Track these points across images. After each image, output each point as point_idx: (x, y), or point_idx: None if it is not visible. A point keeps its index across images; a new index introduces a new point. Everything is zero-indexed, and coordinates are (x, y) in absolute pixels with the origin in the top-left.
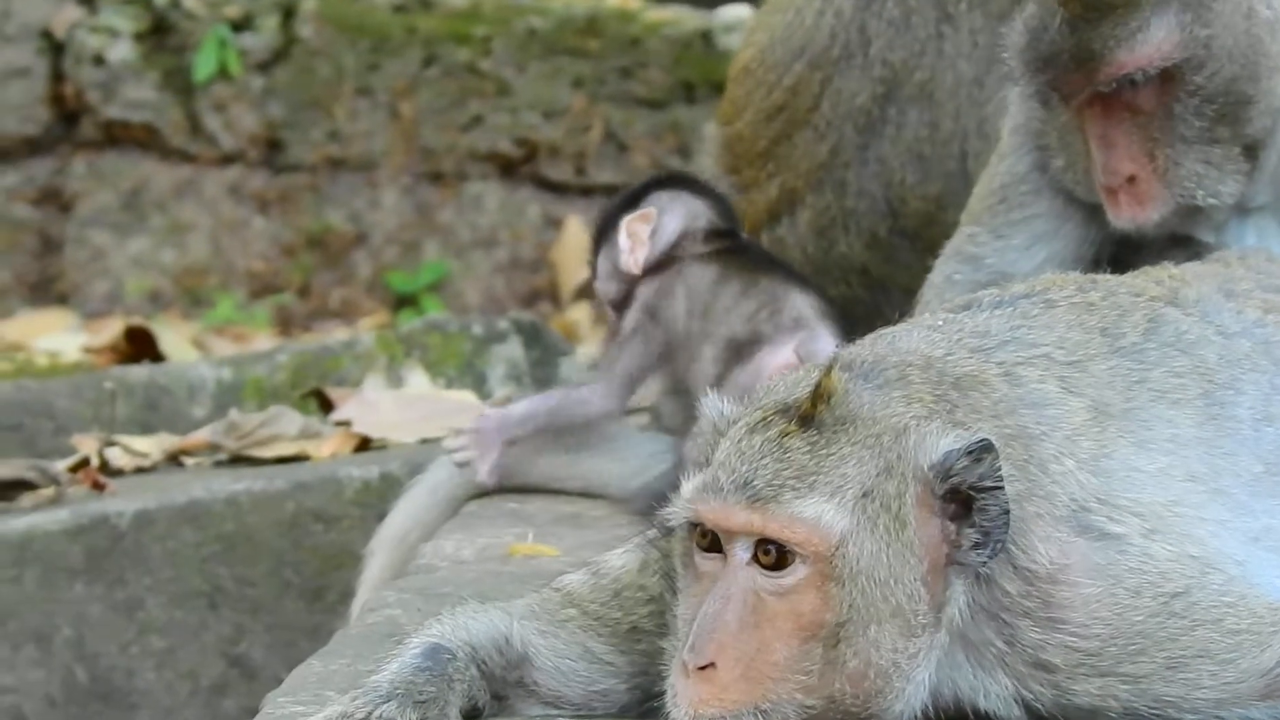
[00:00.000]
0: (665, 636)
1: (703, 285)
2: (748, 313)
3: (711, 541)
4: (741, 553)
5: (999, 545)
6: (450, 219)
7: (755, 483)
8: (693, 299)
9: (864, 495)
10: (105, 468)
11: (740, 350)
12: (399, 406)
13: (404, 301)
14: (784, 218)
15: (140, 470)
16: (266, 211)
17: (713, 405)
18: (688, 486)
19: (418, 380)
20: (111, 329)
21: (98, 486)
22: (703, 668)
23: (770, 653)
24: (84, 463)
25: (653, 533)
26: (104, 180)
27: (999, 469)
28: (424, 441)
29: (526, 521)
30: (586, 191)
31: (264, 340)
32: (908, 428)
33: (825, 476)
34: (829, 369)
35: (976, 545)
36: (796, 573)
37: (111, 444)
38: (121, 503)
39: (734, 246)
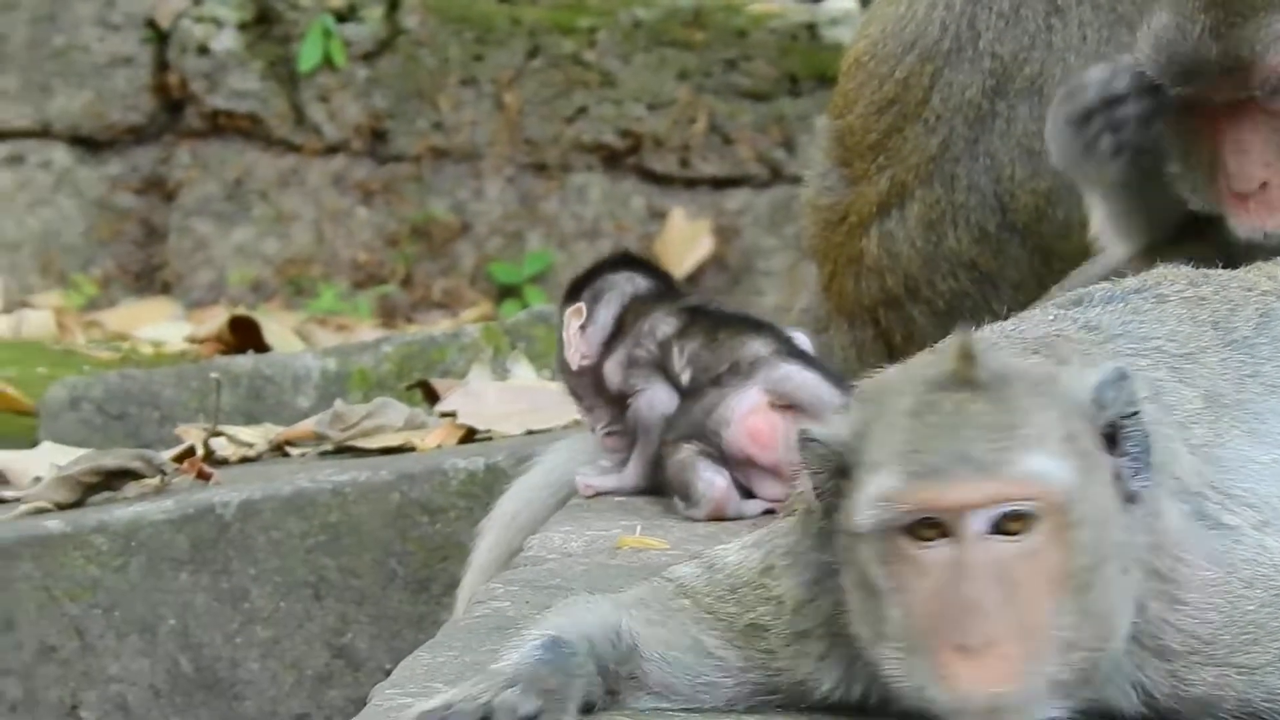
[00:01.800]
0: (792, 638)
1: (660, 335)
2: (707, 363)
3: (928, 529)
4: (978, 526)
5: (1149, 467)
6: (554, 210)
7: (973, 453)
8: (655, 345)
9: (1065, 439)
10: (210, 458)
11: (702, 399)
12: (504, 398)
13: (507, 292)
14: (893, 211)
15: (245, 460)
16: (370, 202)
17: (824, 429)
18: (876, 488)
19: (523, 372)
20: (215, 319)
21: (203, 476)
22: (976, 648)
23: (1033, 615)
24: (189, 452)
25: (794, 540)
26: (208, 170)
27: (1135, 393)
28: (529, 433)
29: (634, 514)
30: (691, 184)
31: (367, 331)
32: (1056, 373)
33: (1027, 430)
34: (959, 336)
35: (1135, 473)
36: (1037, 529)
37: (217, 434)
38: (226, 493)
39: (687, 304)
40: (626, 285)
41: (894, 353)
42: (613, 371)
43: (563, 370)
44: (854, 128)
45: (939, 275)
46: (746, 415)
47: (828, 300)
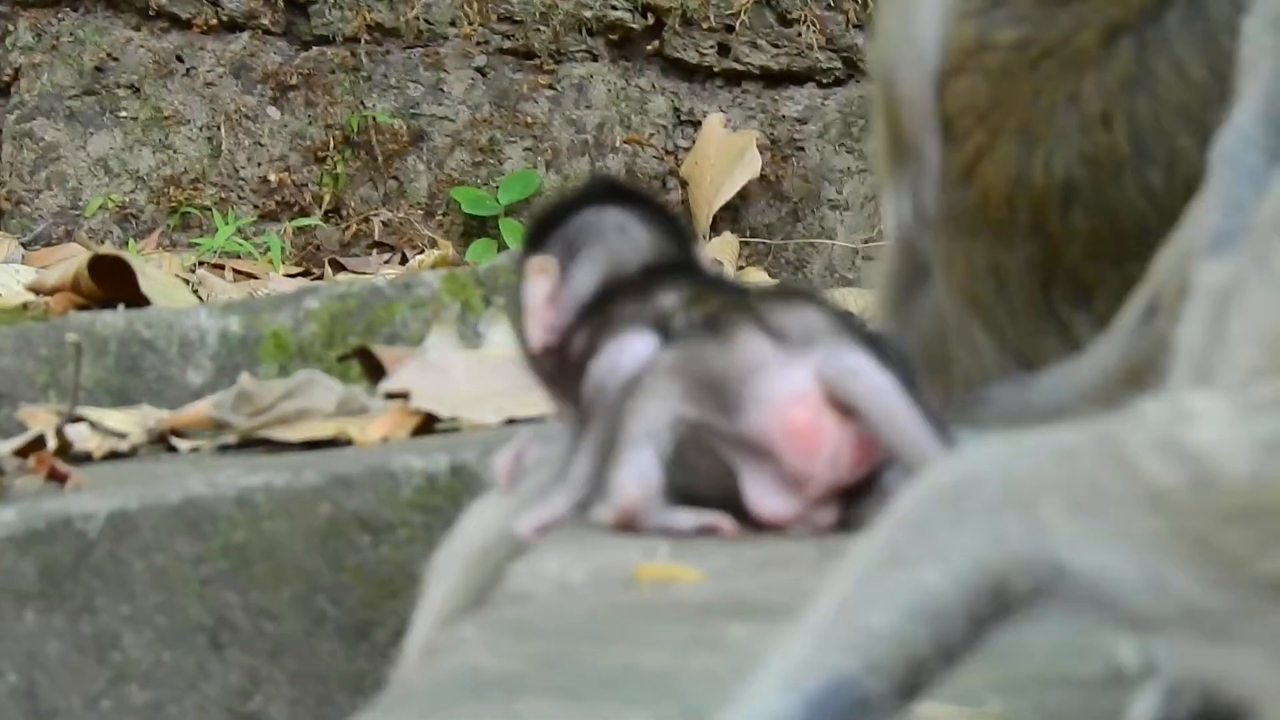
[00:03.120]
0: None
1: (660, 308)
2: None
3: None
4: None
5: None
6: (542, 114)
7: None
8: (660, 321)
9: None
10: (66, 452)
11: (719, 343)
12: (474, 374)
13: (476, 228)
14: (1177, 4)
15: (115, 456)
16: (285, 100)
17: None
18: None
19: (500, 338)
20: (68, 261)
21: (56, 477)
22: None
23: None
24: (36, 444)
25: None
26: (57, 51)
27: None
28: (510, 422)
29: (657, 532)
30: (733, 79)
31: (282, 280)
32: None
33: None
34: None
35: None
36: None
37: (75, 419)
38: (89, 501)
39: (695, 273)
40: (616, 237)
41: (1052, 290)
42: (580, 346)
43: (520, 345)
44: None
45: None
46: (789, 401)
47: (958, 203)
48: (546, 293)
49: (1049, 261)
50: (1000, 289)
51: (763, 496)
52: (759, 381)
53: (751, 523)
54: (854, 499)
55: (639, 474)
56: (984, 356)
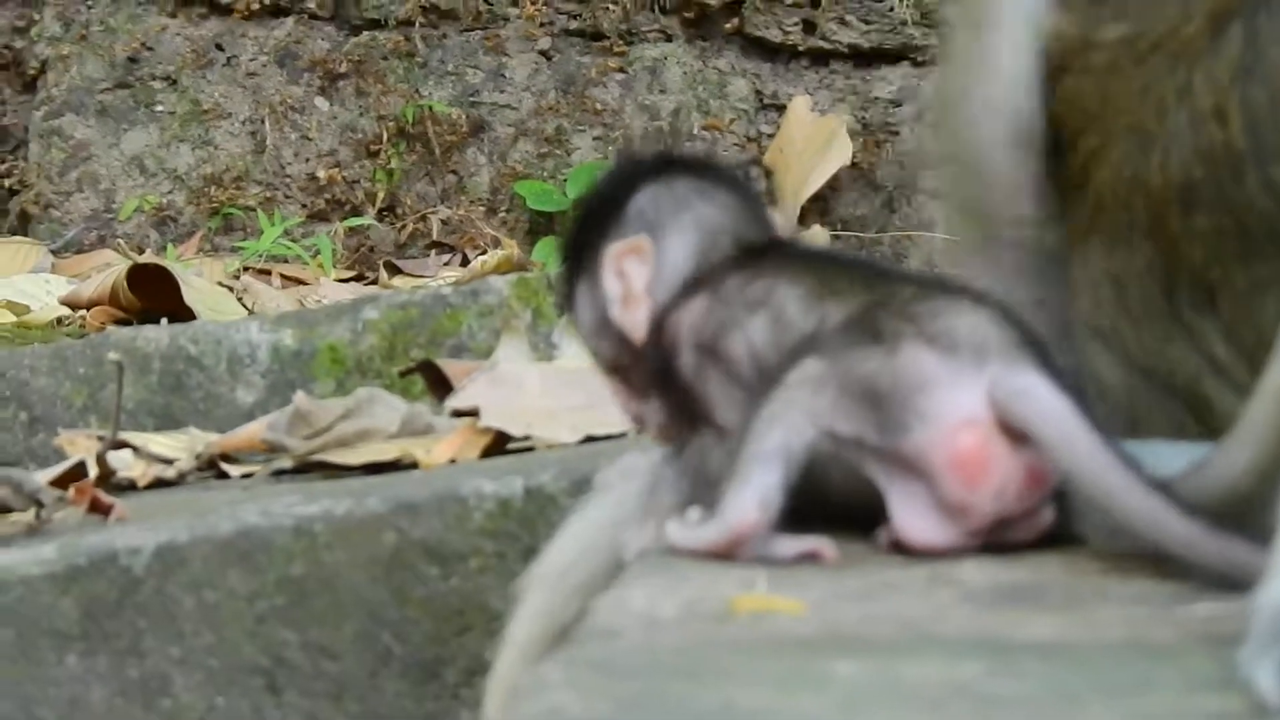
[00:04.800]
0: None
1: (793, 296)
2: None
3: None
4: None
5: None
6: (613, 100)
7: None
8: (781, 324)
9: None
10: (108, 481)
11: (875, 396)
12: (549, 388)
13: (544, 224)
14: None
15: (162, 484)
16: (334, 90)
17: None
18: None
19: (575, 347)
20: (104, 270)
21: (99, 509)
22: None
23: None
24: (76, 473)
25: None
26: (87, 42)
27: None
28: (588, 440)
29: (753, 561)
30: (820, 58)
31: (335, 285)
32: None
33: None
34: None
35: None
36: None
37: (119, 445)
38: (135, 533)
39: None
40: (701, 203)
41: (1177, 292)
42: (687, 325)
43: (600, 337)
44: None
45: None
46: (957, 426)
47: (1075, 207)
48: (648, 277)
49: (1170, 265)
50: (1120, 298)
51: (915, 521)
52: (924, 400)
53: (854, 544)
54: (1007, 523)
55: (762, 498)
56: (1108, 378)
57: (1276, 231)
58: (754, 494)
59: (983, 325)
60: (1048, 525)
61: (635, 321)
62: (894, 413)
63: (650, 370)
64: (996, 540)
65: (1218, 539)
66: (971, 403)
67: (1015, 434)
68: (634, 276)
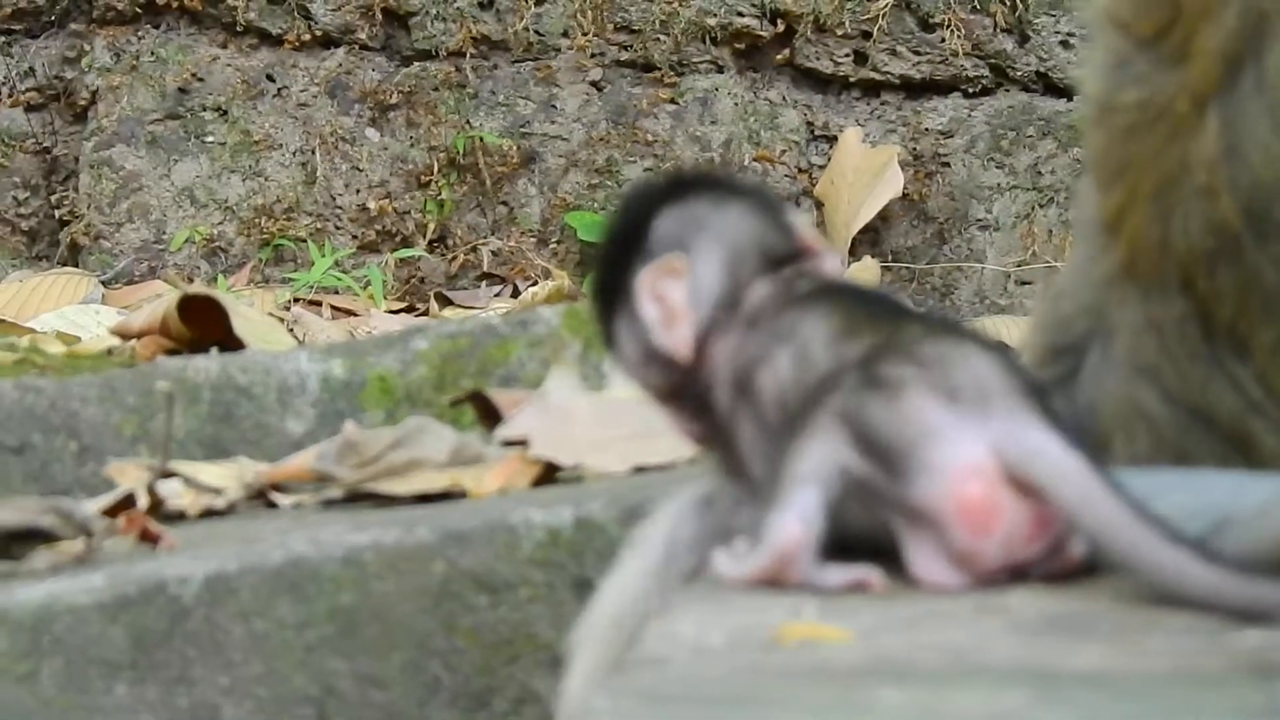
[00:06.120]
0: None
1: (817, 335)
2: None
3: None
4: None
5: None
6: (664, 131)
7: None
8: (805, 364)
9: None
10: (158, 510)
11: (881, 441)
12: (600, 418)
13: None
14: (1247, 65)
15: (211, 513)
16: (385, 120)
17: None
18: None
19: (625, 377)
20: (154, 301)
21: (148, 538)
22: None
23: None
24: (126, 503)
25: None
26: (137, 72)
27: None
28: (639, 470)
29: (800, 589)
30: (871, 89)
31: (385, 316)
32: None
33: None
34: None
35: None
36: None
37: (168, 475)
38: (184, 563)
39: (821, 281)
40: (721, 216)
41: (1214, 338)
42: (723, 359)
43: (646, 363)
44: None
45: None
46: (963, 475)
47: (1108, 255)
48: (686, 294)
49: (1203, 316)
50: (1161, 344)
51: (927, 565)
52: (929, 449)
53: (900, 572)
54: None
55: (803, 515)
56: (1153, 413)
57: None
58: (795, 513)
59: (986, 371)
60: (1077, 561)
61: (680, 339)
62: (899, 461)
63: (698, 395)
64: (1019, 579)
65: (1247, 585)
66: (976, 452)
67: (1019, 482)
68: (672, 295)
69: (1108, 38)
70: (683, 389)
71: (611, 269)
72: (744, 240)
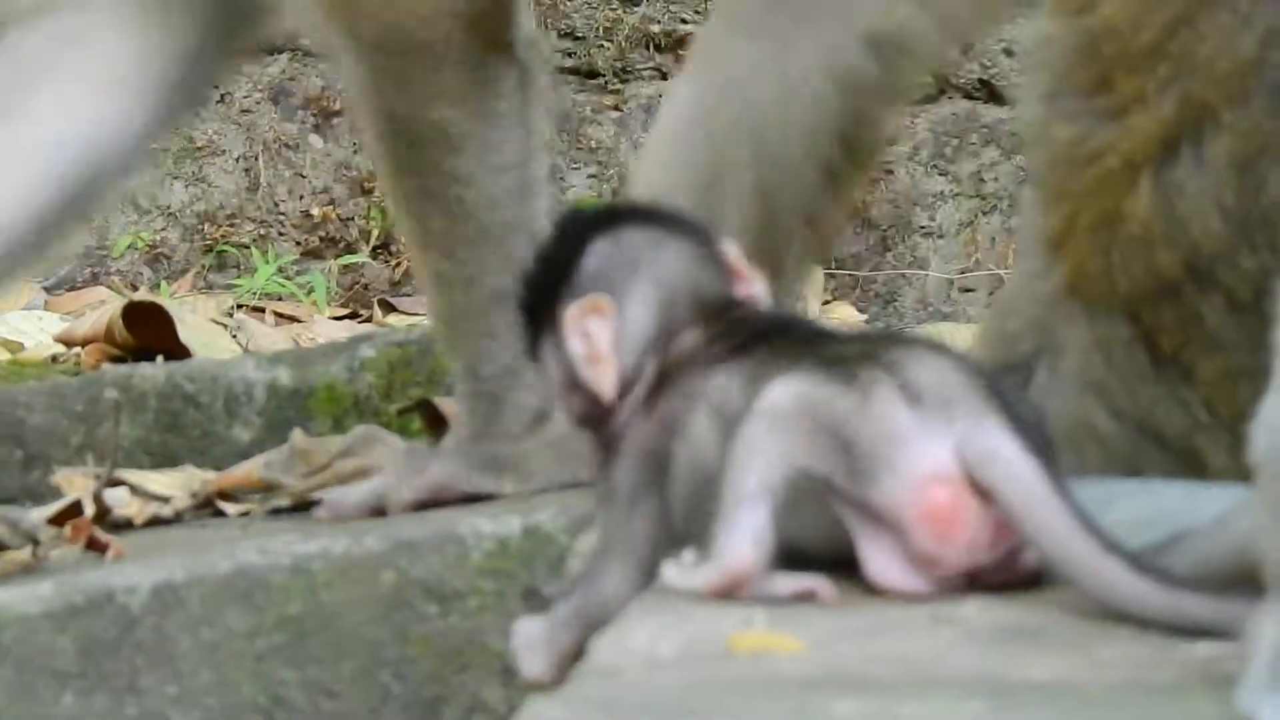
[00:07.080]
0: None
1: (734, 392)
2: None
3: None
4: None
5: None
6: (607, 137)
7: None
8: (723, 418)
9: None
10: (105, 519)
11: (845, 440)
12: None
13: None
14: (1184, 147)
15: (158, 522)
16: (328, 127)
17: None
18: None
19: None
20: (98, 308)
21: (95, 547)
22: None
23: None
24: (73, 511)
25: None
26: None
27: None
28: (587, 482)
29: (751, 599)
30: None
31: (329, 323)
32: None
33: None
34: None
35: None
36: None
37: (115, 483)
38: (132, 572)
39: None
40: (655, 255)
41: (1161, 361)
42: (637, 420)
43: (570, 394)
44: (1114, 26)
45: (1260, 239)
46: (928, 480)
47: (1053, 272)
48: (612, 336)
49: (1149, 343)
50: (1110, 363)
51: (885, 569)
52: (894, 451)
53: (855, 581)
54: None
55: (754, 537)
56: (1102, 429)
57: (1237, 338)
58: (745, 534)
59: (949, 374)
60: (1030, 568)
61: (605, 380)
62: (863, 461)
63: (612, 434)
64: (974, 584)
65: (1174, 598)
66: (942, 457)
67: (984, 488)
68: (598, 336)
69: (1045, 71)
70: (599, 423)
71: (539, 294)
72: (677, 285)
